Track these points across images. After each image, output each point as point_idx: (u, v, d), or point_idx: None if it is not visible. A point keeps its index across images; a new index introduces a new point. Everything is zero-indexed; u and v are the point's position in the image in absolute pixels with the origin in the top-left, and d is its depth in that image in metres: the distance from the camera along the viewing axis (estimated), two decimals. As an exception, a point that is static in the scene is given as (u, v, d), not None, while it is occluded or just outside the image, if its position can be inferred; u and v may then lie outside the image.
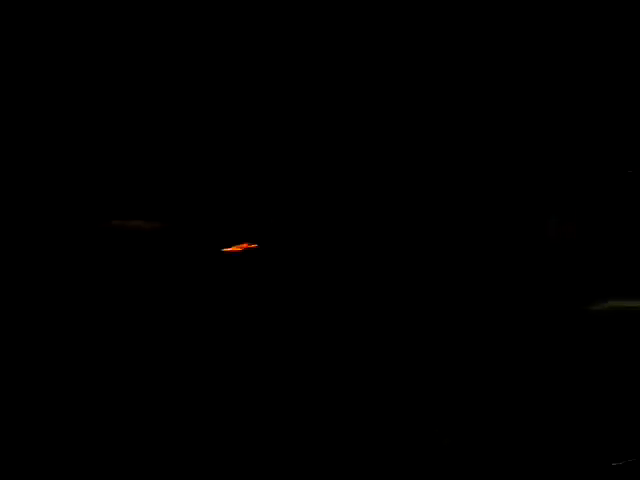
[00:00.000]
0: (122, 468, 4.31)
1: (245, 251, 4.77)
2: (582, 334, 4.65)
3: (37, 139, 4.62)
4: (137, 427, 4.47)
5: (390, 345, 4.63)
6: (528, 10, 4.78)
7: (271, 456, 4.36)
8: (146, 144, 4.68)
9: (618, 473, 4.25)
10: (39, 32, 4.48)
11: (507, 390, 4.51)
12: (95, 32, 4.52)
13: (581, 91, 4.85)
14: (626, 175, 4.84)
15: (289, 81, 4.72)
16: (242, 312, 4.69)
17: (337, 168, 4.81)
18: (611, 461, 4.26)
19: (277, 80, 4.74)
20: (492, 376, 4.57)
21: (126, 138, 4.68)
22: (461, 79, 4.78)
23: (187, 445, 4.42)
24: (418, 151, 4.87)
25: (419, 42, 4.77)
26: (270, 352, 4.57)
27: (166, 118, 4.69)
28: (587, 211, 5.00)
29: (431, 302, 4.82)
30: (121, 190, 4.68)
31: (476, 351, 4.62)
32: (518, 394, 4.50)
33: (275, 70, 4.71)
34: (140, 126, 4.66)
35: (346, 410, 4.51)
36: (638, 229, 4.98)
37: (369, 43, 4.77)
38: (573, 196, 4.99)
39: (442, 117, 4.81)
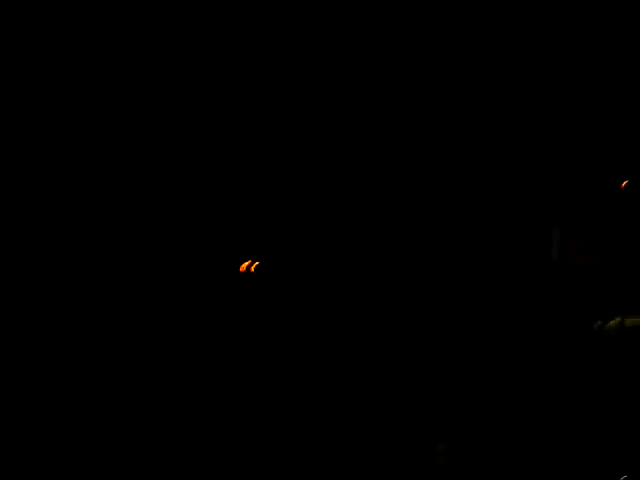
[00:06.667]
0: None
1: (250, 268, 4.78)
2: (591, 351, 4.61)
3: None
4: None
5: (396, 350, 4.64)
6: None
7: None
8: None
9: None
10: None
11: (516, 405, 4.50)
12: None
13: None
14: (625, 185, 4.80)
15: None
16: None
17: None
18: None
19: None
20: (502, 391, 4.56)
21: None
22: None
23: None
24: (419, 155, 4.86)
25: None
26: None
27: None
28: (591, 223, 4.96)
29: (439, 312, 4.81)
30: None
31: (486, 369, 4.61)
32: (526, 408, 4.48)
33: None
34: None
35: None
36: None
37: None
38: (577, 208, 4.95)
39: (442, 121, 4.80)
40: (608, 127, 4.86)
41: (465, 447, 4.38)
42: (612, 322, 4.57)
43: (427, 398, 4.51)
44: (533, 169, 4.93)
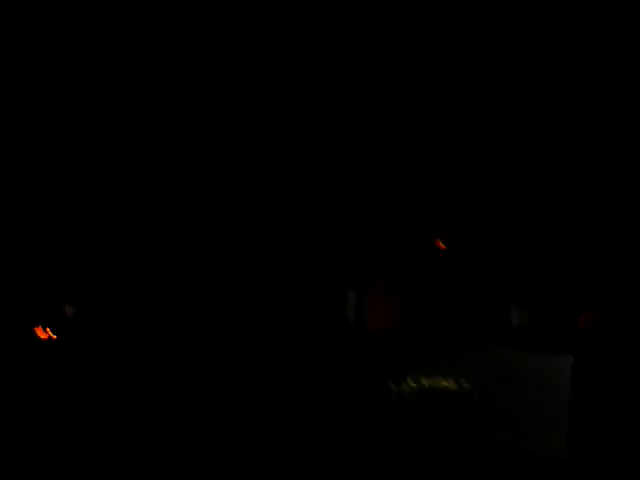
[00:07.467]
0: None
1: None
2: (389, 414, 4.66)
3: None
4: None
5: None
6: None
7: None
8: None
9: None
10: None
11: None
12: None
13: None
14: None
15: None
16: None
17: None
18: None
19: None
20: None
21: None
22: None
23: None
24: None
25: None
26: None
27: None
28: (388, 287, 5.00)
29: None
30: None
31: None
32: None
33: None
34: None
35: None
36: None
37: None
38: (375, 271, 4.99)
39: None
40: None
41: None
42: (410, 384, 4.61)
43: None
44: (329, 231, 4.97)
